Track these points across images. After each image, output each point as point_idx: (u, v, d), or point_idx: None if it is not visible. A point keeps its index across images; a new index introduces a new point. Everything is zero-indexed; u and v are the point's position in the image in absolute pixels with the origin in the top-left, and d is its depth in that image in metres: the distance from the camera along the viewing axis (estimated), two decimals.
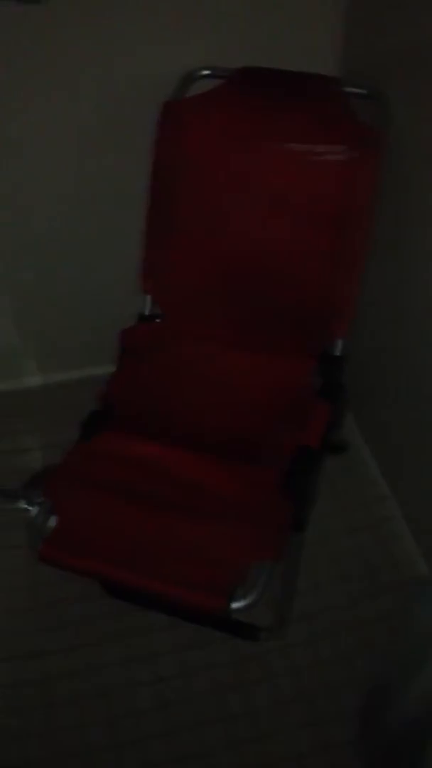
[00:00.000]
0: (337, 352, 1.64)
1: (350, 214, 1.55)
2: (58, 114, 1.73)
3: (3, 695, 1.63)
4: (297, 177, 1.57)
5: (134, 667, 1.67)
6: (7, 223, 1.87)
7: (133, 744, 1.57)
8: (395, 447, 1.90)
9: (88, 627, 1.73)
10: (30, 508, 1.68)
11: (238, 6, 1.65)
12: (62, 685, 1.65)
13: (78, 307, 2.09)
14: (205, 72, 1.65)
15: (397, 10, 1.52)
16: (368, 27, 1.65)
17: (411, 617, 1.24)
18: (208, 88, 1.61)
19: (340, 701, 1.61)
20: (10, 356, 2.13)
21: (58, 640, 1.71)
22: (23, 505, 1.69)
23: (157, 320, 1.75)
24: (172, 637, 1.71)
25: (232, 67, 1.61)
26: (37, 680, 1.65)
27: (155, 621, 1.72)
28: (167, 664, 1.67)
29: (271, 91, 1.60)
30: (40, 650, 1.69)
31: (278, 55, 1.64)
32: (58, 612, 1.75)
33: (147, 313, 1.74)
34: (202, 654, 1.68)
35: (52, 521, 1.46)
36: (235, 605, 1.33)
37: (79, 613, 1.75)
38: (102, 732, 1.58)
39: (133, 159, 1.65)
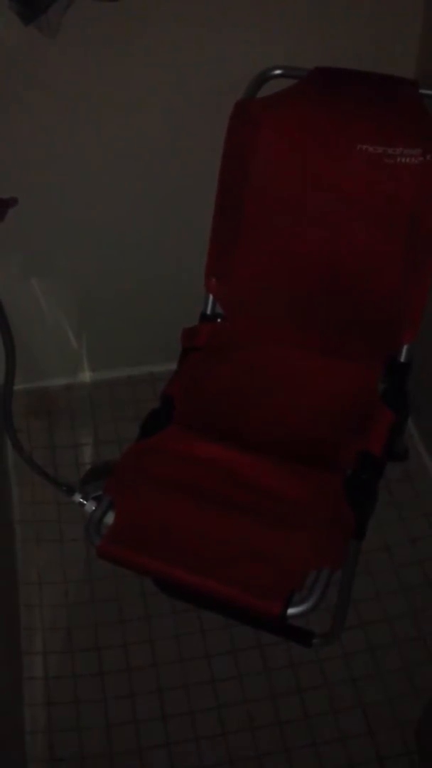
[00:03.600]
0: (403, 359, 1.61)
1: (423, 219, 1.53)
2: (130, 114, 1.73)
3: (59, 687, 1.65)
4: (371, 179, 1.55)
5: (188, 667, 1.67)
6: (71, 218, 1.88)
7: (185, 743, 1.57)
8: None
9: (144, 623, 1.73)
10: (85, 502, 1.70)
11: (312, 6, 1.63)
12: (116, 681, 1.65)
13: (140, 304, 2.09)
14: (278, 72, 1.64)
15: None
16: None
17: None
18: (281, 88, 1.60)
19: (397, 712, 1.59)
20: (70, 351, 2.15)
21: (114, 636, 1.72)
22: (79, 498, 1.71)
23: (219, 320, 1.75)
24: (228, 638, 1.70)
25: (305, 67, 1.60)
26: (91, 674, 1.66)
27: (211, 621, 1.72)
28: (221, 665, 1.67)
29: (346, 92, 1.58)
30: (96, 645, 1.71)
31: (353, 56, 1.62)
32: (114, 608, 1.76)
33: (209, 312, 1.74)
34: (257, 657, 1.68)
35: (110, 517, 1.47)
36: (291, 611, 1.32)
37: (135, 610, 1.75)
38: (155, 731, 1.59)
39: (202, 158, 1.65)
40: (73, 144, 1.75)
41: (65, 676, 1.67)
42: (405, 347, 1.61)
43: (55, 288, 2.01)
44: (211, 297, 1.73)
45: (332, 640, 1.67)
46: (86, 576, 1.81)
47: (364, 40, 1.68)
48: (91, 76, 1.66)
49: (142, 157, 1.80)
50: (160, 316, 2.07)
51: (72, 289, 2.03)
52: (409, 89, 1.55)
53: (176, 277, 1.98)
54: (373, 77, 1.57)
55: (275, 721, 1.59)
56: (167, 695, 1.63)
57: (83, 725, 1.60)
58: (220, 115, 1.58)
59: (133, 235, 1.94)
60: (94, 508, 1.50)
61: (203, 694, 1.63)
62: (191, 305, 1.74)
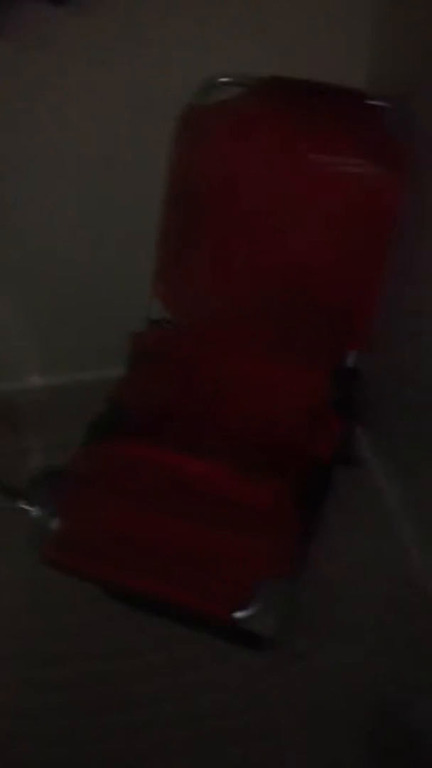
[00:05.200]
0: (353, 365, 1.63)
1: (372, 228, 1.54)
2: (79, 121, 1.73)
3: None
4: (320, 188, 1.56)
5: (132, 675, 1.65)
6: (17, 225, 1.87)
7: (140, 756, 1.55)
8: (405, 461, 1.89)
9: (93, 631, 1.71)
10: (31, 508, 1.68)
11: (262, 15, 1.65)
12: (58, 693, 1.63)
13: (87, 310, 2.08)
14: (226, 79, 1.65)
15: (424, 24, 1.52)
16: (395, 39, 1.64)
17: (424, 633, 1.23)
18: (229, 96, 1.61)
19: (348, 718, 1.59)
20: (16, 357, 2.13)
21: (59, 645, 1.70)
22: (24, 505, 1.68)
23: (166, 325, 1.74)
24: (175, 644, 1.70)
25: (253, 75, 1.61)
26: (36, 683, 1.64)
27: (159, 628, 1.70)
28: (165, 676, 1.66)
29: (295, 101, 1.59)
30: (41, 654, 1.68)
31: (303, 65, 1.63)
32: (59, 615, 1.74)
33: (157, 318, 1.73)
34: (213, 666, 1.68)
35: (56, 523, 1.45)
36: (239, 615, 1.33)
37: (81, 617, 1.73)
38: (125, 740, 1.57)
39: (149, 165, 1.64)
40: (18, 150, 1.74)
41: (7, 684, 1.64)
42: (354, 354, 1.63)
43: (3, 293, 1.99)
44: (158, 303, 1.72)
45: (281, 644, 1.67)
46: (31, 583, 1.78)
47: (313, 49, 1.69)
48: (33, 82, 1.65)
49: (88, 163, 1.79)
50: (108, 321, 2.05)
51: (21, 294, 2.01)
52: (359, 99, 1.57)
53: (125, 283, 1.96)
54: (323, 87, 1.59)
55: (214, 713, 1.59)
56: (127, 709, 1.61)
57: (33, 736, 1.57)
58: (168, 122, 1.58)
59: (82, 242, 1.93)
60: (39, 514, 1.48)
61: (168, 708, 1.62)
62: (140, 311, 1.74)
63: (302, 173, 1.56)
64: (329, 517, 1.83)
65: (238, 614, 1.33)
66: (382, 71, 1.69)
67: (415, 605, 1.75)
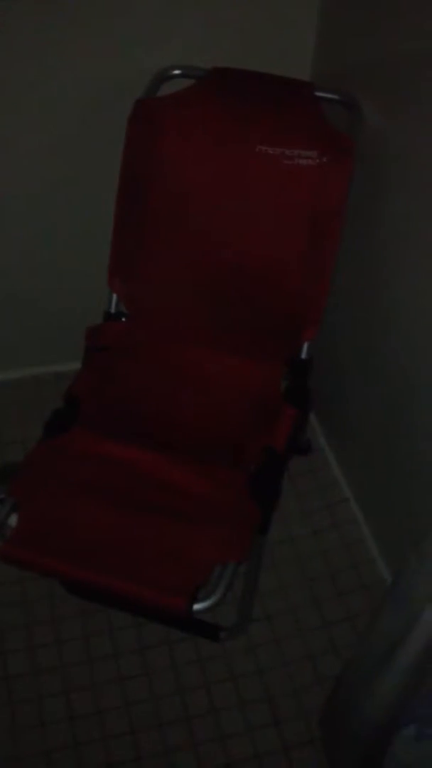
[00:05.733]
0: (304, 356, 1.65)
1: (321, 219, 1.56)
2: (31, 112, 1.71)
3: None
4: (271, 180, 1.57)
5: (96, 667, 1.66)
6: None
7: (93, 743, 1.56)
8: (358, 449, 1.92)
9: (51, 626, 1.72)
10: None
11: (210, 7, 1.65)
12: (23, 684, 1.64)
13: (43, 303, 2.07)
14: (177, 71, 1.65)
15: (367, 16, 1.53)
16: (340, 32, 1.66)
17: (376, 619, 1.26)
18: (180, 88, 1.61)
19: (302, 702, 1.63)
20: None
21: (20, 639, 1.70)
22: None
23: (123, 319, 1.75)
24: (136, 637, 1.71)
25: (204, 67, 1.61)
26: None
27: (118, 620, 1.72)
28: (130, 664, 1.67)
29: (244, 93, 1.60)
30: (1, 649, 1.68)
31: (250, 57, 1.64)
32: (20, 611, 1.74)
33: (112, 311, 1.73)
34: (165, 653, 1.69)
35: (14, 519, 1.45)
36: (197, 606, 1.33)
37: (41, 613, 1.74)
38: (62, 732, 1.58)
39: (103, 158, 1.64)
40: None
41: None
42: (306, 345, 1.64)
43: None
44: (114, 296, 1.72)
45: (239, 633, 1.70)
46: None
47: (261, 41, 1.70)
48: None
49: (40, 156, 1.78)
50: (64, 314, 2.05)
51: None
52: (306, 91, 1.58)
53: (80, 275, 1.96)
54: (270, 79, 1.60)
55: (183, 716, 1.60)
56: (75, 696, 1.62)
57: None
58: (119, 114, 1.58)
59: (34, 233, 1.92)
60: None
61: (111, 693, 1.63)
62: (96, 303, 1.73)
63: (250, 165, 1.57)
64: (285, 505, 1.86)
65: (197, 606, 1.34)
66: (328, 63, 1.71)
67: (371, 589, 1.79)
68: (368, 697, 1.24)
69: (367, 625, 1.35)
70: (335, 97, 1.59)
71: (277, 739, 1.58)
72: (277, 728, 1.59)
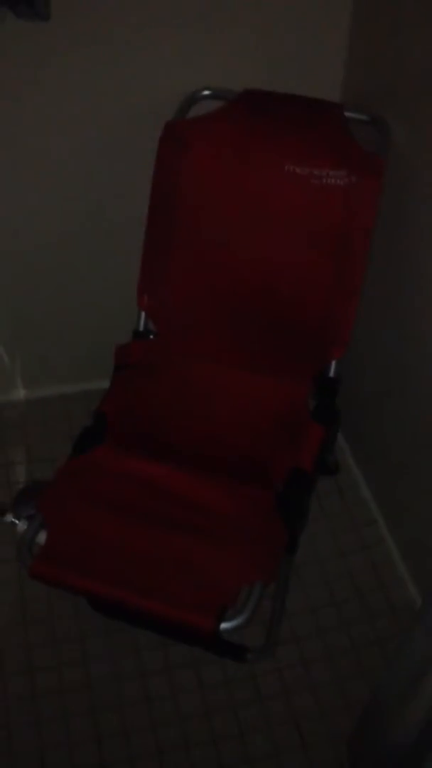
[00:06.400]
0: (332, 374, 1.65)
1: (349, 238, 1.56)
2: (60, 134, 1.73)
3: None
4: (298, 200, 1.58)
5: (123, 686, 1.66)
6: (1, 236, 1.87)
7: (120, 764, 1.55)
8: (386, 469, 1.90)
9: (77, 644, 1.71)
10: (18, 522, 1.68)
11: (241, 30, 1.67)
12: (50, 703, 1.63)
13: (72, 322, 2.09)
14: (207, 93, 1.67)
15: (397, 37, 1.54)
16: (369, 54, 1.67)
17: (406, 642, 1.24)
18: (210, 110, 1.63)
19: (330, 725, 1.61)
20: (1, 369, 2.12)
21: (46, 657, 1.70)
22: (11, 519, 1.68)
23: (151, 337, 1.76)
24: (162, 656, 1.70)
25: (234, 89, 1.63)
26: (24, 696, 1.64)
27: (145, 640, 1.71)
28: (156, 684, 1.66)
29: (273, 114, 1.61)
30: (28, 666, 1.68)
31: (280, 79, 1.66)
32: (46, 628, 1.74)
33: (141, 329, 1.74)
34: (192, 674, 1.67)
35: (42, 536, 1.45)
36: (224, 626, 1.33)
37: (68, 630, 1.73)
38: (89, 751, 1.57)
39: (134, 178, 1.66)
40: (4, 163, 1.75)
41: None
42: (334, 363, 1.64)
43: None
44: (143, 314, 1.73)
45: (266, 655, 1.68)
46: (19, 597, 1.78)
47: (292, 62, 1.72)
48: (12, 98, 1.67)
49: (73, 177, 1.80)
50: (93, 333, 2.07)
51: (3, 306, 2.01)
52: (335, 112, 1.59)
53: (109, 294, 1.98)
54: (299, 100, 1.61)
55: (209, 738, 1.59)
56: (101, 716, 1.62)
57: (15, 749, 1.57)
58: (150, 135, 1.60)
59: (65, 253, 1.94)
60: (26, 527, 1.48)
61: (137, 713, 1.62)
62: (124, 322, 1.75)
63: (279, 185, 1.58)
64: (313, 526, 1.85)
65: (224, 626, 1.33)
66: (357, 85, 1.72)
67: (399, 612, 1.77)
68: (398, 722, 1.22)
69: (396, 648, 1.33)
70: (364, 117, 1.60)
71: (306, 764, 1.56)
72: (304, 752, 1.57)
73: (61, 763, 1.55)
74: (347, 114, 1.59)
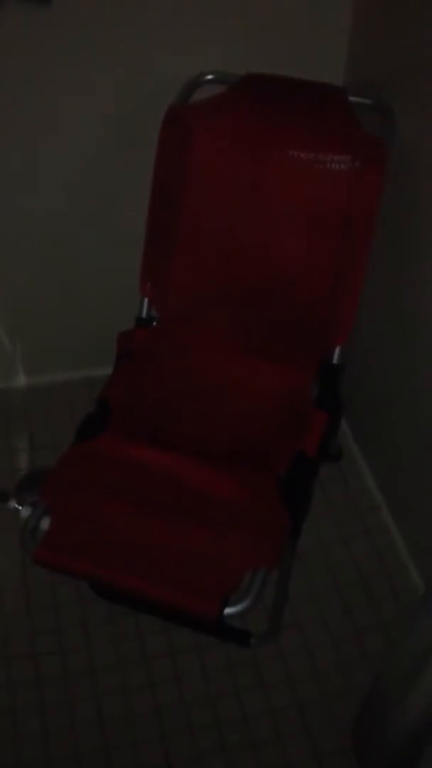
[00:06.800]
0: (336, 361, 1.64)
1: (354, 224, 1.56)
2: (62, 117, 1.73)
3: None
4: (301, 185, 1.57)
5: (127, 671, 1.66)
6: (2, 220, 1.86)
7: (124, 748, 1.56)
8: (389, 456, 1.90)
9: (81, 630, 1.72)
10: (21, 508, 1.68)
11: (244, 14, 1.65)
12: (54, 688, 1.64)
13: (75, 308, 2.08)
14: (209, 77, 1.66)
15: (401, 21, 1.53)
16: (373, 37, 1.65)
17: (409, 628, 1.24)
18: (213, 93, 1.62)
19: (333, 711, 1.61)
20: (4, 355, 2.12)
21: (51, 643, 1.70)
22: (14, 505, 1.69)
23: (154, 323, 1.75)
24: (165, 642, 1.70)
25: (237, 73, 1.62)
26: (28, 682, 1.64)
27: (148, 625, 1.72)
28: (160, 669, 1.67)
29: (276, 98, 1.60)
30: (32, 652, 1.69)
31: (283, 63, 1.64)
32: (50, 614, 1.74)
33: (144, 316, 1.74)
34: (196, 659, 1.68)
35: (45, 523, 1.46)
36: (228, 611, 1.33)
37: (72, 616, 1.74)
38: (94, 736, 1.58)
39: (136, 163, 1.65)
40: (1, 148, 1.74)
41: (1, 684, 1.64)
42: (337, 349, 1.64)
43: None
44: (146, 301, 1.73)
45: (269, 640, 1.69)
46: (23, 583, 1.79)
47: (295, 47, 1.71)
48: (16, 82, 1.65)
49: (75, 164, 1.80)
50: (96, 320, 2.06)
51: (5, 292, 2.01)
52: (339, 96, 1.58)
53: (112, 281, 1.97)
54: (303, 84, 1.60)
55: (213, 722, 1.60)
56: (105, 701, 1.62)
57: (20, 734, 1.58)
58: (152, 121, 1.59)
59: (67, 239, 1.94)
60: (29, 513, 1.48)
61: (141, 698, 1.63)
62: (127, 309, 1.74)
63: (282, 170, 1.57)
64: (316, 513, 1.85)
65: (228, 611, 1.34)
66: (361, 68, 1.70)
67: (403, 597, 1.77)
68: (402, 707, 1.22)
69: (399, 633, 1.33)
70: (368, 101, 1.59)
71: (309, 748, 1.56)
72: (308, 737, 1.58)
73: (65, 748, 1.56)
74: (351, 99, 1.58)
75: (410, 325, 1.68)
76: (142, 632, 1.71)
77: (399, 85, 1.57)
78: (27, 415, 2.13)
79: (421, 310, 1.63)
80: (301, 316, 1.66)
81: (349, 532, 1.90)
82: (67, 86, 1.68)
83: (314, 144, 1.55)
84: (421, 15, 1.45)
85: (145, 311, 1.74)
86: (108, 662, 1.68)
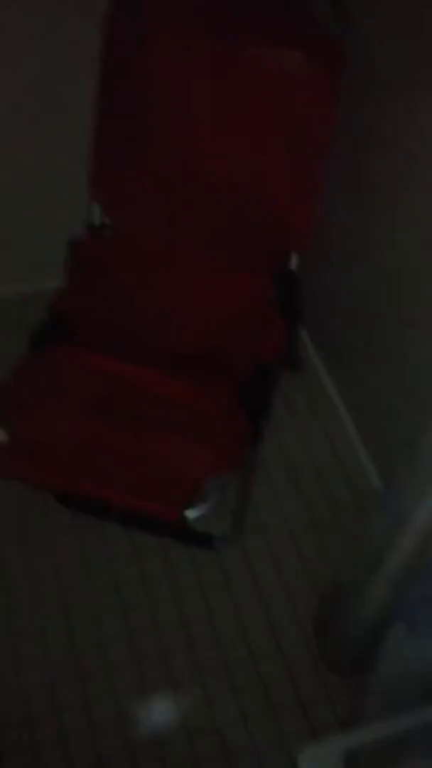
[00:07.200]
0: (294, 268, 1.63)
1: (310, 126, 1.51)
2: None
3: None
4: (254, 84, 1.51)
5: (92, 575, 1.69)
6: None
7: (92, 648, 1.60)
8: (348, 362, 1.92)
9: (47, 538, 1.74)
10: None
11: None
12: (22, 592, 1.67)
13: (25, 217, 2.01)
14: None
15: None
16: None
17: (368, 526, 1.28)
18: None
19: (296, 606, 1.66)
20: None
21: (16, 549, 1.72)
22: None
23: (106, 232, 1.71)
24: (130, 545, 1.73)
25: None
26: None
27: (113, 532, 1.74)
28: (126, 572, 1.70)
29: None
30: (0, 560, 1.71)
31: None
32: (14, 523, 1.76)
33: (96, 223, 1.70)
34: (160, 561, 1.72)
35: (2, 434, 1.45)
36: (189, 515, 1.36)
37: (37, 525, 1.76)
38: (62, 635, 1.62)
39: (79, 57, 1.58)
40: None
41: None
42: (296, 257, 1.63)
43: None
44: (97, 207, 1.68)
45: (232, 542, 1.73)
46: None
47: None
48: None
49: (13, 57, 1.71)
50: (46, 228, 2.00)
51: None
52: None
53: (61, 187, 1.90)
54: None
55: (180, 619, 1.64)
56: (73, 602, 1.65)
57: None
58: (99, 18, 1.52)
59: (11, 143, 1.85)
60: None
61: (108, 599, 1.66)
62: (78, 216, 1.70)
63: (236, 67, 1.51)
64: (278, 420, 1.88)
65: (189, 514, 1.36)
66: None
67: (362, 497, 1.81)
68: (361, 597, 1.27)
69: (359, 531, 1.37)
70: None
71: (273, 642, 1.62)
72: (272, 632, 1.63)
73: (34, 648, 1.60)
74: None
75: (367, 230, 1.67)
76: (107, 537, 1.74)
77: None
78: None
79: (378, 220, 1.61)
80: (260, 223, 1.64)
81: (309, 438, 1.92)
82: None
83: (266, 40, 1.49)
84: None
85: (96, 219, 1.69)
86: (74, 566, 1.70)
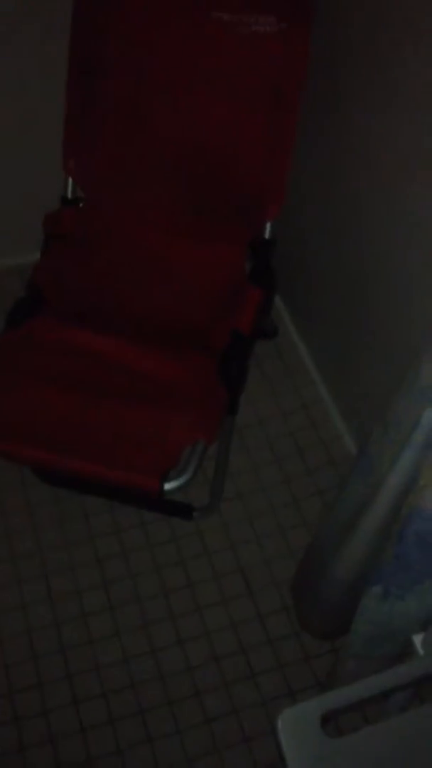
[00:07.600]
0: (268, 236, 1.63)
1: (281, 91, 1.51)
2: None
3: None
4: (228, 50, 1.51)
5: (73, 550, 1.70)
6: None
7: (73, 620, 1.62)
8: (323, 332, 1.92)
9: (26, 514, 1.74)
10: None
11: None
12: (2, 570, 1.67)
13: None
14: None
15: None
16: None
17: (343, 489, 1.29)
18: None
19: (275, 573, 1.69)
20: None
21: None
22: None
23: (81, 204, 1.70)
24: (110, 520, 1.74)
25: None
26: None
27: (92, 505, 1.75)
28: (106, 546, 1.71)
29: None
30: None
31: None
32: None
33: (69, 196, 1.69)
34: (140, 534, 1.73)
35: None
36: (168, 486, 1.37)
37: (15, 501, 1.76)
38: (44, 610, 1.63)
39: (49, 27, 1.56)
40: None
41: None
42: (269, 224, 1.62)
43: None
44: (70, 180, 1.67)
45: (210, 511, 1.74)
46: None
47: None
48: None
49: None
50: (20, 202, 1.99)
51: None
52: None
53: (34, 159, 1.88)
54: None
55: (161, 591, 1.66)
56: (54, 579, 1.67)
57: None
58: None
59: None
60: None
61: (89, 574, 1.68)
62: (53, 189, 1.68)
63: (206, 33, 1.50)
64: (254, 389, 1.88)
65: (168, 485, 1.37)
66: None
67: (338, 465, 1.83)
68: (337, 560, 1.29)
69: (334, 496, 1.38)
70: None
71: (252, 608, 1.64)
72: (251, 598, 1.65)
73: (15, 624, 1.61)
74: None
75: (339, 198, 1.67)
76: (86, 512, 1.75)
77: None
78: None
79: (349, 183, 1.61)
80: (232, 190, 1.64)
81: (286, 407, 1.94)
82: None
83: (237, 4, 1.48)
84: None
85: (70, 191, 1.68)
86: (54, 543, 1.71)
